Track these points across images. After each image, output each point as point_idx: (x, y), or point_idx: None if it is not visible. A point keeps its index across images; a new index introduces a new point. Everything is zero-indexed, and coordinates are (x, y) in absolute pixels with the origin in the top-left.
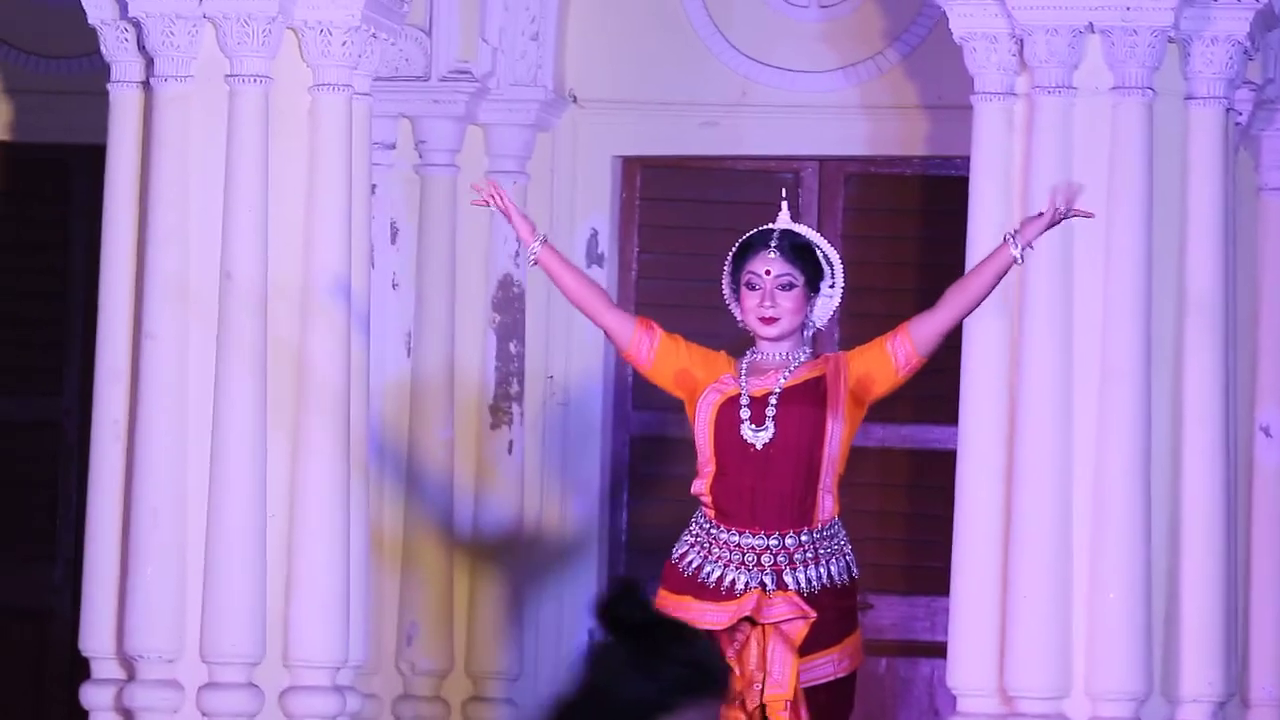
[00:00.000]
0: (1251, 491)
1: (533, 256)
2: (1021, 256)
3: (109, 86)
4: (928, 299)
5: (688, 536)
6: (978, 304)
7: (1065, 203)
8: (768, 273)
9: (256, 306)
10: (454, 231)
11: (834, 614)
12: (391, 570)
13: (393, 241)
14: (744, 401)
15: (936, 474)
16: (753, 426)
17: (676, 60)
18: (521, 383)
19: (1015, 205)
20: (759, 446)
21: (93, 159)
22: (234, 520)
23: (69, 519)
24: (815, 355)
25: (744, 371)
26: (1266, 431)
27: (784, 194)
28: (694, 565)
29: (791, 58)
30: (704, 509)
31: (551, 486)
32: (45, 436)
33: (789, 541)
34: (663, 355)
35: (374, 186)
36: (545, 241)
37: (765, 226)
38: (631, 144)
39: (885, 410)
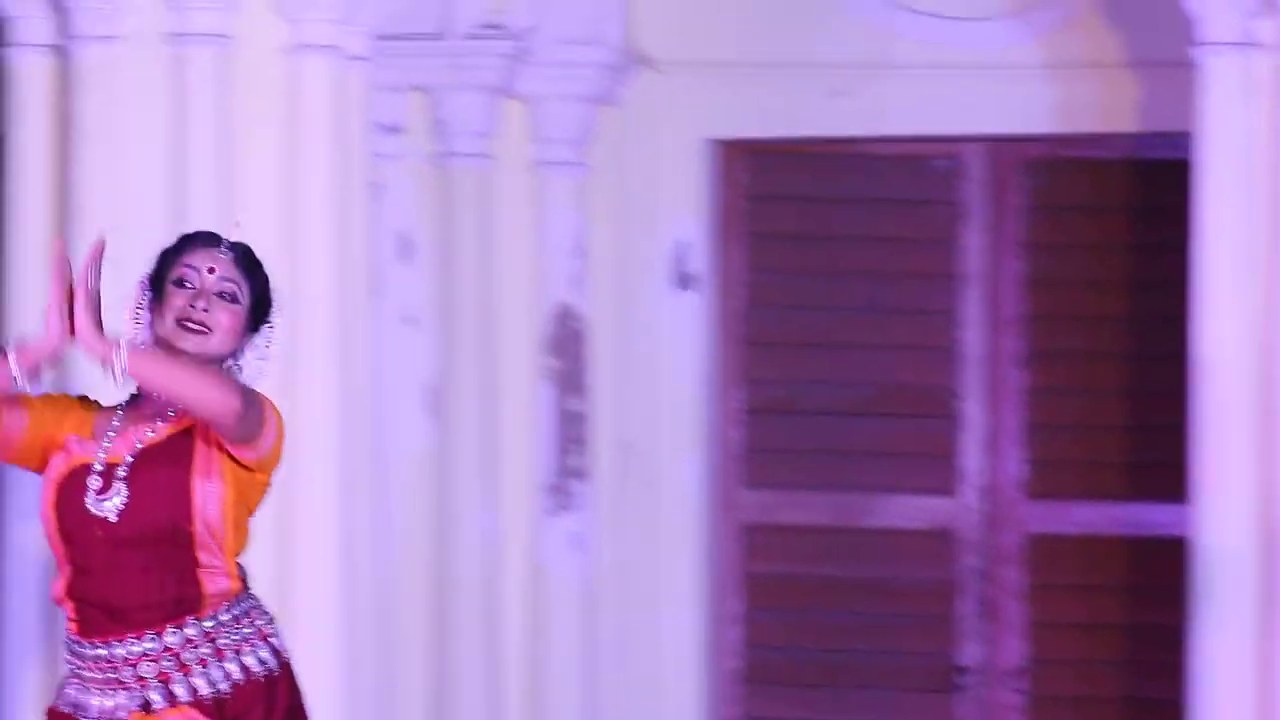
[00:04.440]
0: None
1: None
2: (114, 365)
3: (4, 51)
4: (1143, 329)
5: (65, 666)
6: (186, 396)
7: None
8: (211, 270)
9: None
10: (489, 244)
11: (261, 716)
12: None
13: (406, 260)
14: (97, 467)
15: (1162, 568)
16: (98, 497)
17: (791, 8)
18: (587, 453)
19: (1261, 196)
20: (112, 519)
21: None
22: None
23: None
24: None
25: (115, 425)
26: None
27: (237, 221)
28: (72, 699)
29: (950, 2)
30: (67, 622)
31: (632, 593)
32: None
33: (170, 640)
34: (31, 433)
35: (377, 185)
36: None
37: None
38: (730, 123)
39: (1087, 484)
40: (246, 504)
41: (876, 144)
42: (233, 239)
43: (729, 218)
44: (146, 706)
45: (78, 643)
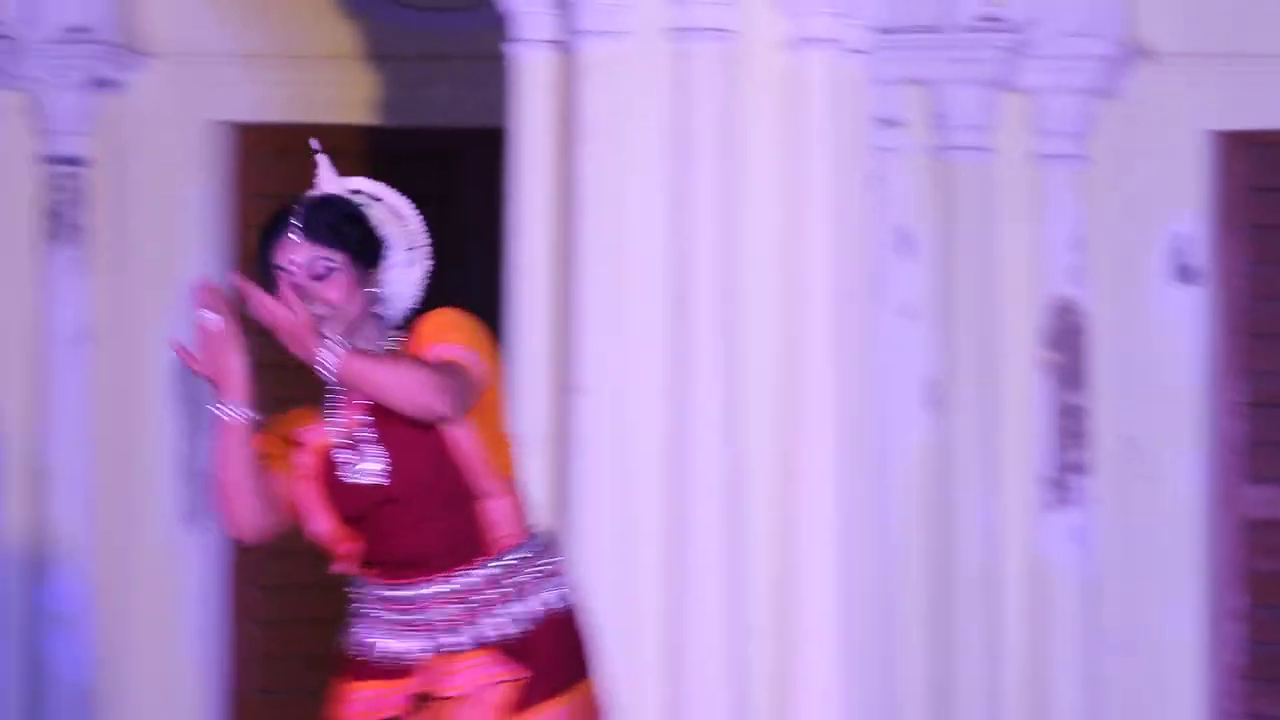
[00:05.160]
0: None
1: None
2: (327, 361)
3: (507, 47)
4: None
5: (360, 608)
6: (391, 397)
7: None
8: (292, 262)
9: (723, 347)
10: (989, 238)
11: (553, 657)
12: None
13: (905, 254)
14: (338, 441)
15: None
16: (354, 468)
17: None
18: (1087, 447)
19: None
20: (380, 481)
21: (484, 149)
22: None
23: None
24: (401, 340)
25: (330, 400)
26: None
27: (316, 145)
28: (367, 640)
29: None
30: (356, 571)
31: (1132, 588)
32: None
33: (461, 582)
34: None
35: (876, 179)
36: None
37: (293, 201)
38: (1232, 114)
39: None
40: (493, 417)
41: None
42: (305, 210)
43: (1229, 210)
44: (440, 649)
45: (373, 585)
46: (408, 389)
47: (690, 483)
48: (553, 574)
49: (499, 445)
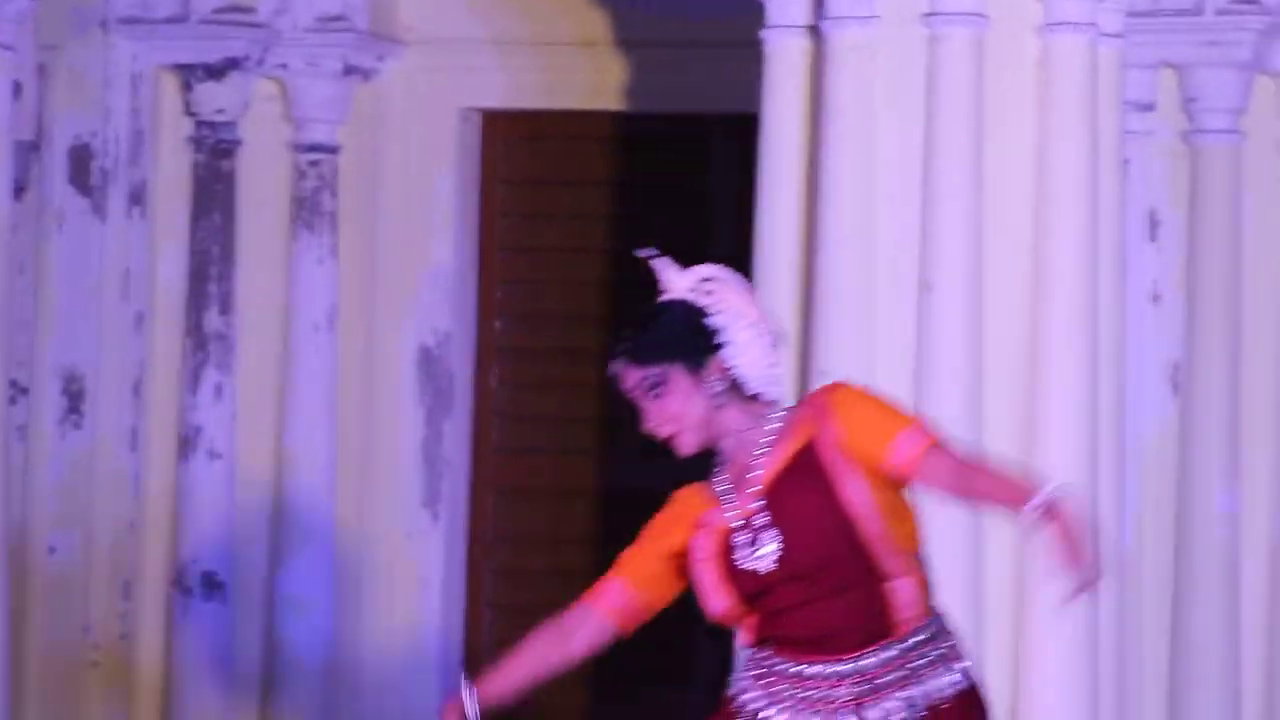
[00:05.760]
0: None
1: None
2: (1029, 519)
3: (763, 34)
4: None
5: (754, 677)
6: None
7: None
8: (625, 387)
9: (967, 331)
10: (1237, 222)
11: None
12: None
13: (1152, 238)
14: (737, 524)
15: None
16: (751, 551)
17: None
18: None
19: None
20: (772, 568)
21: (734, 135)
22: None
23: None
24: (788, 418)
25: (725, 484)
26: None
27: (648, 253)
28: (756, 710)
29: None
30: (761, 648)
31: None
32: None
33: (866, 662)
34: (652, 578)
35: (1126, 162)
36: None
37: (626, 324)
38: None
39: None
40: (891, 487)
41: None
42: (628, 332)
43: None
44: None
45: (773, 659)
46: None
47: None
48: (953, 657)
49: (902, 517)
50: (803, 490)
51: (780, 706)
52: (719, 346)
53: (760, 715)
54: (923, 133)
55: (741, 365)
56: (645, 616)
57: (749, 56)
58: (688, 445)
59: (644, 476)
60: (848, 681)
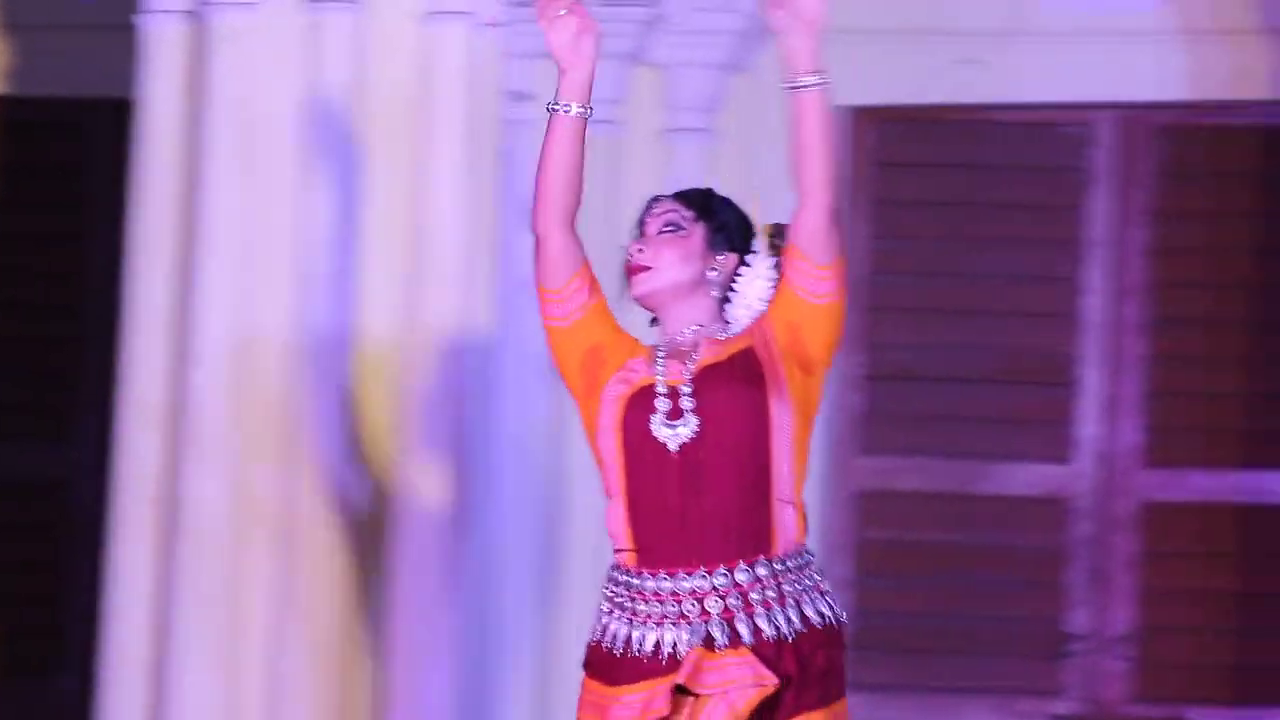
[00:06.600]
0: None
1: (564, 109)
2: (816, 80)
3: (138, 19)
4: (1266, 297)
5: (604, 601)
6: (818, 153)
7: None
8: (655, 214)
9: (344, 320)
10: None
11: (818, 669)
12: None
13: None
14: (660, 390)
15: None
16: (666, 421)
17: None
18: None
19: None
20: (673, 448)
21: (114, 122)
22: None
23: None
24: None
25: (660, 357)
26: None
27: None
28: (621, 636)
29: None
30: (618, 555)
31: None
32: (51, 497)
33: (741, 576)
34: (589, 320)
35: (509, 151)
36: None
37: None
38: (865, 90)
39: (1205, 451)
40: (808, 422)
41: (1005, 111)
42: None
43: (854, 184)
44: (709, 643)
45: (634, 574)
46: (829, 161)
47: None
48: (824, 590)
49: (804, 454)
50: (733, 385)
51: (647, 623)
52: (744, 255)
53: (631, 638)
54: (306, 120)
55: (740, 284)
56: (553, 314)
57: (129, 40)
58: (648, 287)
59: None
60: (721, 593)
